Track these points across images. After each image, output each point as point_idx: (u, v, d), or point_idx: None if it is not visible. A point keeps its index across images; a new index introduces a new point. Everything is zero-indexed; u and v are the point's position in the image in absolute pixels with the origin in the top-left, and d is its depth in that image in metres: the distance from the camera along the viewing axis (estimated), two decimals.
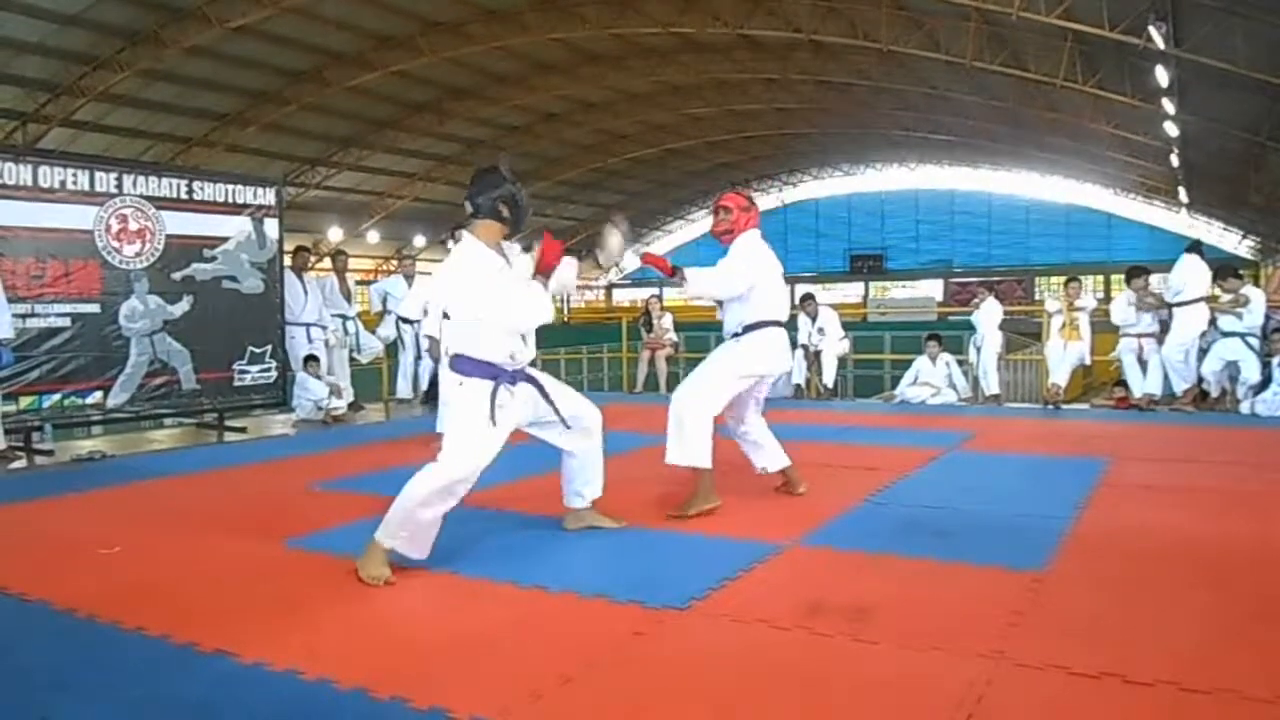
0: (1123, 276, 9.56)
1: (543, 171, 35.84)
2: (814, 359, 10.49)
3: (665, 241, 51.80)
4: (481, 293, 3.59)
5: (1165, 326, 8.84)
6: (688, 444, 4.60)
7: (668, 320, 11.65)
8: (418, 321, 8.56)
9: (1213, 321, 8.52)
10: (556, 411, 3.90)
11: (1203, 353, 8.62)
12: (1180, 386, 8.72)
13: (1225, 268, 8.77)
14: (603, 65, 26.29)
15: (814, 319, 10.44)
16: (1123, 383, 9.27)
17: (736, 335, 4.75)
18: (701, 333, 16.08)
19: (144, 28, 19.11)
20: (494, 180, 3.72)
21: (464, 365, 3.65)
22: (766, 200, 47.95)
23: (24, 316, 6.63)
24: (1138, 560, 3.66)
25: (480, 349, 3.62)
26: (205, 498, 5.27)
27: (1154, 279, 9.46)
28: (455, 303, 3.71)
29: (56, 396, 6.89)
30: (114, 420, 7.56)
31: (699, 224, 50.33)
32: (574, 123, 31.34)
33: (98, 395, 7.11)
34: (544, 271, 3.75)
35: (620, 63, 26.23)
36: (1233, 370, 8.52)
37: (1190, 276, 8.63)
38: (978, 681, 2.49)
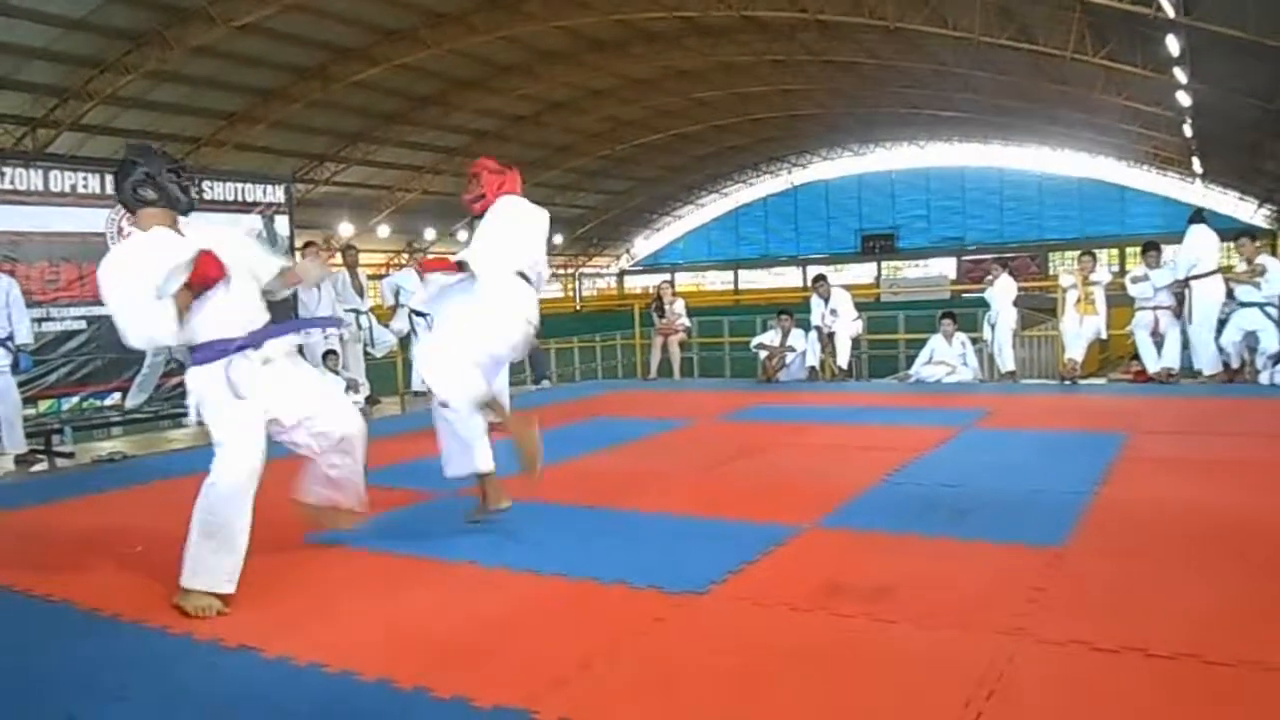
0: (1137, 249, 9.51)
1: (551, 160, 35.82)
2: (828, 340, 10.45)
3: (676, 227, 51.77)
4: (134, 284, 3.24)
5: (1180, 299, 8.76)
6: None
7: (680, 306, 11.62)
8: (430, 314, 8.58)
9: (1230, 293, 8.45)
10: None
11: (1221, 324, 8.54)
12: (1210, 368, 8.58)
13: (1245, 233, 8.67)
14: (608, 52, 26.21)
15: (827, 300, 10.40)
16: (1139, 356, 9.21)
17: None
18: (714, 317, 16.09)
19: (149, 29, 19.17)
20: (124, 170, 3.41)
21: (195, 356, 3.38)
22: (776, 183, 47.85)
23: (40, 320, 6.67)
24: (1158, 534, 3.64)
25: (197, 334, 3.34)
26: None
27: (1166, 250, 9.39)
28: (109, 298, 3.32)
29: (75, 399, 6.94)
30: (132, 421, 7.61)
31: (708, 208, 50.30)
32: (581, 110, 31.28)
33: (116, 396, 7.16)
34: (197, 286, 3.29)
35: (625, 49, 26.15)
36: (1251, 341, 8.45)
37: (1204, 248, 8.55)
38: (999, 658, 2.49)
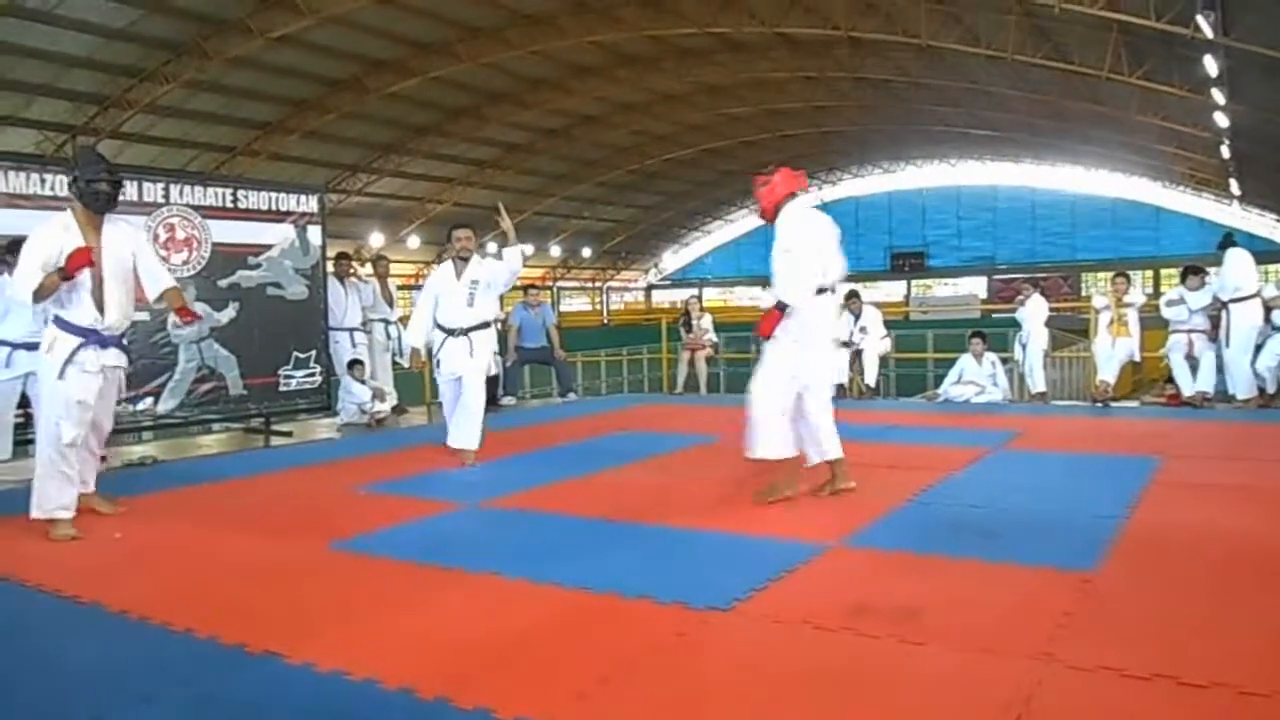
0: (1173, 271, 9.41)
1: (580, 174, 35.99)
2: (855, 358, 10.40)
3: (704, 242, 51.76)
4: (32, 254, 4.24)
5: (1215, 322, 8.65)
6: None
7: (707, 321, 11.62)
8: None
9: (1267, 318, 8.35)
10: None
11: (1256, 349, 8.42)
12: (1245, 392, 8.48)
13: None
14: (639, 67, 26.32)
15: (858, 317, 10.34)
16: (1174, 379, 9.09)
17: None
18: (742, 333, 16.06)
19: (188, 40, 19.49)
20: (74, 166, 4.48)
21: (57, 323, 4.34)
22: (806, 199, 47.64)
23: None
24: (1190, 560, 3.58)
25: (66, 311, 4.33)
26: (253, 501, 5.35)
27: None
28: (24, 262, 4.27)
29: None
30: (164, 426, 7.69)
31: (738, 224, 50.23)
32: (611, 125, 31.41)
33: (148, 401, 7.24)
34: (67, 271, 4.26)
35: (656, 64, 26.25)
36: None
37: (1245, 272, 8.46)
38: (1026, 683, 2.45)
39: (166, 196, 7.31)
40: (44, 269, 4.23)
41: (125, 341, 4.64)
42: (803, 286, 4.71)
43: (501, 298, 7.35)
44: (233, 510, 5.08)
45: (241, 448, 7.77)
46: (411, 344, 6.67)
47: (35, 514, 4.33)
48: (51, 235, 4.31)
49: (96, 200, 4.44)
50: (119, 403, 7.00)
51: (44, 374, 4.39)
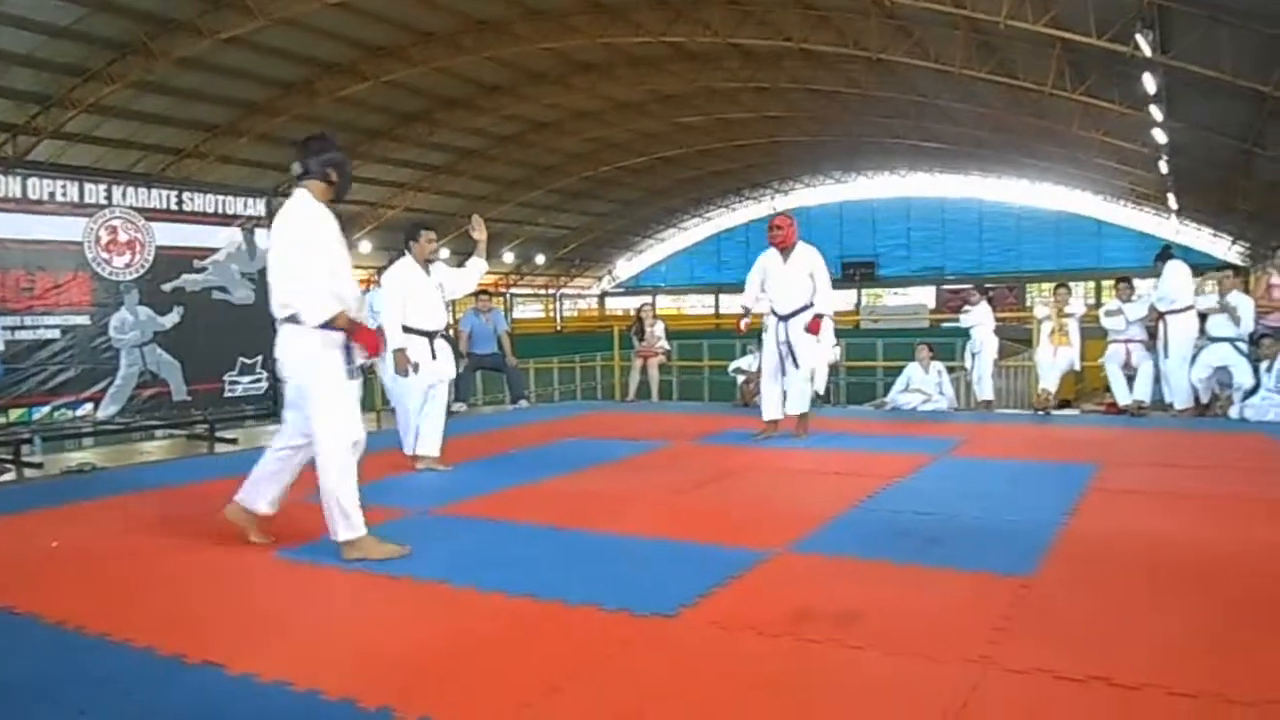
0: (1113, 282, 9.68)
1: (534, 180, 35.91)
2: None
3: (658, 250, 51.91)
4: (315, 242, 3.89)
5: (1152, 333, 8.88)
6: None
7: (659, 328, 11.65)
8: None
9: (1202, 330, 8.58)
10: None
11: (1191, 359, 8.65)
12: (1183, 402, 8.68)
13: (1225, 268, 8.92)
14: (594, 74, 26.36)
15: None
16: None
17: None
18: (694, 340, 16.15)
19: (135, 40, 19.12)
20: (324, 145, 4.05)
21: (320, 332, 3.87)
22: (758, 208, 48.16)
23: (13, 329, 6.61)
24: (1125, 565, 3.67)
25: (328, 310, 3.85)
26: (196, 509, 5.24)
27: (1141, 284, 9.57)
28: (291, 253, 3.88)
29: (46, 408, 6.87)
30: (104, 432, 7.53)
31: (690, 232, 50.49)
32: (565, 131, 31.40)
33: (88, 407, 7.09)
34: (352, 336, 3.96)
35: (611, 72, 26.31)
36: (1223, 376, 8.55)
37: (1182, 284, 8.67)
38: (964, 686, 2.50)
39: (109, 198, 7.18)
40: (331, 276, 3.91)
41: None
42: (835, 301, 7.22)
43: (453, 303, 7.36)
44: (176, 518, 4.98)
45: (185, 454, 7.63)
46: (398, 346, 5.91)
47: (353, 535, 3.91)
48: (326, 226, 3.97)
49: (348, 187, 4.21)
50: (57, 409, 6.87)
51: (327, 379, 3.93)
